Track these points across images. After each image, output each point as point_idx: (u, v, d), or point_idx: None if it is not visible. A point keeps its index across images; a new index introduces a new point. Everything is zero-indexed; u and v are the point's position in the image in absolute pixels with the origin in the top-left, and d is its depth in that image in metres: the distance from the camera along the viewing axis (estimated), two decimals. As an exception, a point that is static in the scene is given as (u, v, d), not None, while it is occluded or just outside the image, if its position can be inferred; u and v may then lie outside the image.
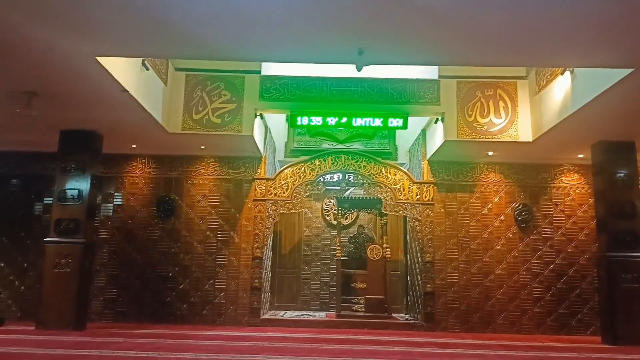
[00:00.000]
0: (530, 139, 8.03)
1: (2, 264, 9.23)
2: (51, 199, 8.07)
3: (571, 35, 4.91)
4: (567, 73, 6.82)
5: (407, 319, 9.56)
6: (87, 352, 5.50)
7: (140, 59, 6.66)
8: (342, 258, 10.04)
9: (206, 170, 9.45)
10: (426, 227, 9.16)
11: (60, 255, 7.53)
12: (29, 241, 9.24)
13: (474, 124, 8.15)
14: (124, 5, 4.49)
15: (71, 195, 7.75)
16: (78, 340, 6.43)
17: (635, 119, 6.82)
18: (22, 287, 9.14)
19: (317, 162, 9.35)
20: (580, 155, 8.72)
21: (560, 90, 7.05)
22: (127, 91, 6.34)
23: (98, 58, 5.51)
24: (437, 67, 8.31)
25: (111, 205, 9.33)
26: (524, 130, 8.09)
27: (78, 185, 7.80)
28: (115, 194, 9.37)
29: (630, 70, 5.41)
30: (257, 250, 9.10)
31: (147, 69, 6.94)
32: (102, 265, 9.09)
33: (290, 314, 10.10)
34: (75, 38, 5.07)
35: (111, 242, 9.22)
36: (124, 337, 6.87)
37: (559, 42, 5.09)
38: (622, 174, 7.69)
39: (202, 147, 8.90)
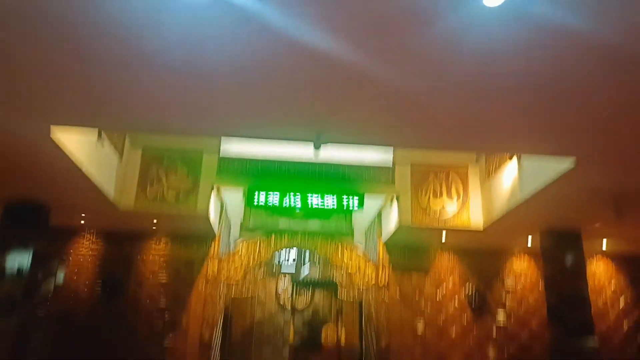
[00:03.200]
0: (481, 228, 8.16)
1: None
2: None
3: (517, 124, 5.10)
4: (515, 160, 7.08)
5: (361, 410, 9.14)
6: None
7: (96, 133, 6.57)
8: (296, 343, 9.67)
9: (157, 246, 9.15)
10: (381, 312, 9.02)
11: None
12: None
13: (427, 209, 8.23)
14: (78, 83, 4.45)
15: (10, 271, 7.29)
16: None
17: (579, 207, 7.08)
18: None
19: (273, 239, 9.24)
20: (530, 242, 8.93)
21: (509, 177, 7.31)
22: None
23: (52, 131, 5.38)
24: (392, 148, 8.53)
25: (52, 282, 8.79)
26: (475, 217, 8.24)
27: (18, 261, 7.35)
28: (58, 270, 8.88)
29: (572, 159, 5.68)
30: (206, 333, 8.67)
31: (103, 142, 6.82)
32: (37, 348, 8.38)
33: (239, 404, 9.51)
34: (27, 110, 4.95)
35: (50, 323, 8.58)
36: None
37: (506, 129, 5.28)
38: (570, 262, 7.83)
39: (154, 224, 8.65)
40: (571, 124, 4.99)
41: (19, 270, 7.31)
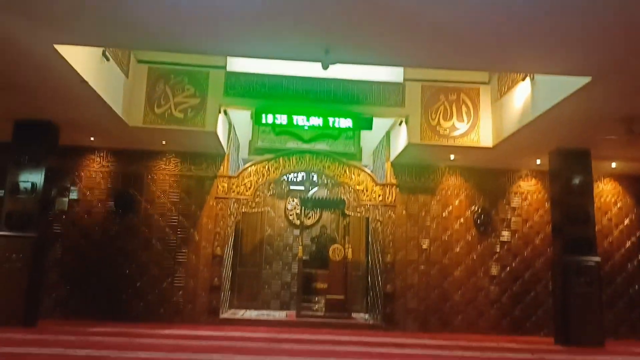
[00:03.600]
0: (490, 145, 8.18)
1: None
2: (2, 191, 7.74)
3: (531, 41, 5.00)
4: (528, 80, 6.98)
5: (366, 320, 9.60)
6: (37, 350, 5.31)
7: (101, 50, 6.47)
8: (304, 258, 10.01)
9: (167, 165, 9.26)
10: (387, 228, 9.23)
11: (11, 249, 7.24)
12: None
13: (437, 128, 8.24)
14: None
15: (24, 187, 7.48)
16: (27, 337, 6.19)
17: (591, 127, 7.04)
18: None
19: (281, 161, 9.32)
20: (538, 162, 8.93)
21: (521, 97, 7.21)
22: (86, 82, 6.13)
23: (57, 47, 5.31)
24: (402, 69, 8.39)
25: (66, 199, 9.03)
26: (485, 135, 8.23)
27: (32, 178, 7.52)
28: (71, 187, 9.08)
29: (587, 79, 5.57)
30: (218, 248, 8.98)
31: (108, 60, 6.74)
32: (55, 261, 8.76)
33: (250, 313, 10.00)
34: (33, 26, 4.87)
35: (66, 237, 8.91)
36: (77, 335, 6.66)
37: (520, 47, 5.19)
38: (577, 181, 7.93)
39: (164, 142, 8.72)
40: (587, 40, 4.84)
41: (33, 186, 7.49)
